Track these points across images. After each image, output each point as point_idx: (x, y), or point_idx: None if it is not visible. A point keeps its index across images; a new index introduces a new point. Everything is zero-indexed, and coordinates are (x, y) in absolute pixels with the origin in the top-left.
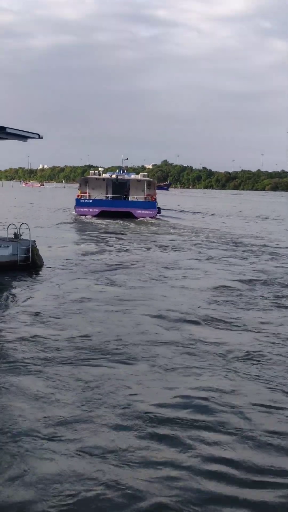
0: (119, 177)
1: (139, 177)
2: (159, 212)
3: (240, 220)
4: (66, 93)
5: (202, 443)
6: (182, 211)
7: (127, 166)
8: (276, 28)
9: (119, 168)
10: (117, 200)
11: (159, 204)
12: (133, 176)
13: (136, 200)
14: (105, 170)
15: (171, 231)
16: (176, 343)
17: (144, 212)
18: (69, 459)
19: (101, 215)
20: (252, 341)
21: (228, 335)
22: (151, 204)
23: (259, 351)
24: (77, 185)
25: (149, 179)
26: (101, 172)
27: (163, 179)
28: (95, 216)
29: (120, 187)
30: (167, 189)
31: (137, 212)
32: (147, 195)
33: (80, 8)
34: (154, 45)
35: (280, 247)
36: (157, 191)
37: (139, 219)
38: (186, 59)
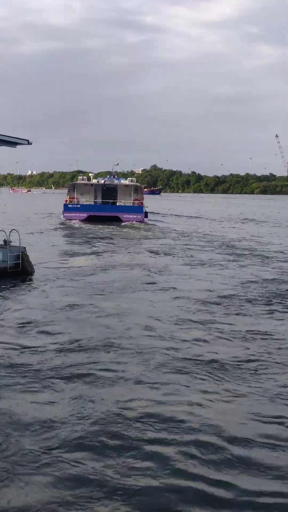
0: (106, 183)
1: (126, 182)
2: (146, 216)
3: (230, 223)
4: (55, 98)
5: (197, 459)
6: (175, 215)
7: (116, 171)
8: (263, 33)
9: (109, 173)
10: (104, 204)
11: (149, 208)
12: (122, 181)
13: (123, 204)
14: (96, 176)
15: (160, 235)
16: (167, 350)
17: (131, 216)
18: (58, 480)
19: (89, 219)
20: (244, 348)
21: (219, 341)
22: (138, 209)
23: (252, 359)
24: (66, 191)
25: (137, 184)
26: (91, 177)
27: (153, 183)
28: (83, 220)
29: (108, 192)
30: (159, 193)
31: (124, 216)
32: (135, 199)
33: (69, 14)
34: (142, 50)
35: (270, 251)
36: (149, 196)
37: (125, 223)
38: (175, 64)
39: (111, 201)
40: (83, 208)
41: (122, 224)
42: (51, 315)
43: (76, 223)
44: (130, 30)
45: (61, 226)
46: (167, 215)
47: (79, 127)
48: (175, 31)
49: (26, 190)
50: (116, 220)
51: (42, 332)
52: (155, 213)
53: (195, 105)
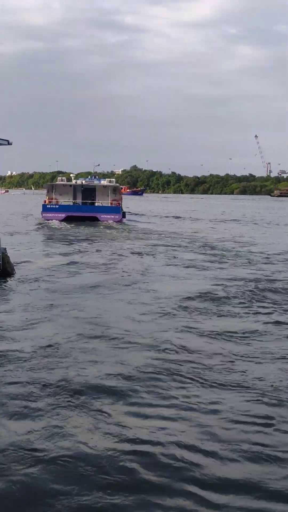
0: (85, 183)
1: (105, 183)
2: (124, 217)
3: (211, 223)
4: (36, 98)
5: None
6: (160, 216)
7: (97, 172)
8: (242, 34)
9: (89, 174)
10: (82, 205)
11: (131, 209)
12: (101, 182)
13: (101, 205)
14: (77, 176)
15: (141, 236)
16: (151, 352)
17: (108, 216)
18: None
19: (67, 219)
20: (224, 348)
21: (204, 344)
22: (116, 209)
23: (234, 359)
24: (45, 191)
25: (115, 184)
26: (72, 178)
27: (133, 184)
28: (61, 221)
29: (87, 192)
30: (141, 194)
31: (102, 216)
32: (113, 200)
33: (48, 14)
34: (122, 50)
35: (253, 252)
36: (132, 196)
37: (104, 222)
38: (155, 64)
39: (89, 201)
40: (62, 208)
41: (100, 224)
42: (30, 317)
43: (56, 224)
44: (110, 30)
45: (41, 227)
46: (150, 215)
47: (59, 127)
48: (155, 31)
49: (4, 191)
50: (94, 220)
51: (20, 335)
52: (138, 214)
53: (175, 105)
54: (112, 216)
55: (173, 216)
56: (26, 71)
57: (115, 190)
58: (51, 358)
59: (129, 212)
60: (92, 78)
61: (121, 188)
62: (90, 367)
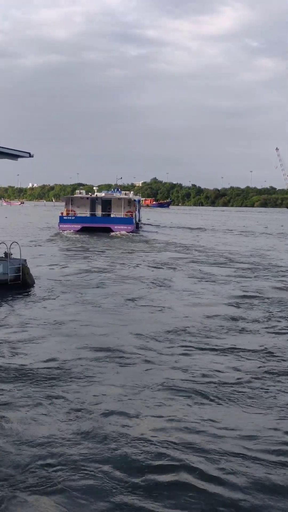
0: (99, 196)
1: (120, 195)
2: (137, 228)
3: (237, 237)
4: (57, 111)
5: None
6: (181, 227)
7: (117, 184)
8: (263, 46)
9: (111, 186)
10: (97, 216)
11: (154, 220)
12: (115, 194)
13: (115, 216)
14: (100, 189)
15: (160, 248)
16: (165, 367)
17: (121, 227)
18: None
19: (83, 230)
20: (247, 367)
21: (220, 359)
22: (128, 220)
23: (251, 378)
24: (63, 204)
25: (129, 197)
26: (94, 190)
27: (153, 196)
28: (78, 231)
29: (103, 204)
30: (167, 206)
31: (115, 227)
32: (128, 211)
33: (70, 28)
34: (143, 63)
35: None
36: (158, 209)
37: (116, 233)
38: (175, 77)
39: (105, 213)
40: (77, 220)
41: (114, 234)
42: (48, 330)
43: (72, 234)
44: (131, 43)
45: (59, 238)
46: (174, 227)
47: (80, 140)
48: (176, 44)
49: (20, 203)
50: (107, 231)
51: (37, 348)
52: (159, 225)
53: (195, 117)
54: (125, 227)
55: (197, 228)
56: (48, 84)
57: (130, 202)
58: (63, 376)
59: (150, 224)
60: (113, 90)
61: (139, 201)
62: (98, 383)
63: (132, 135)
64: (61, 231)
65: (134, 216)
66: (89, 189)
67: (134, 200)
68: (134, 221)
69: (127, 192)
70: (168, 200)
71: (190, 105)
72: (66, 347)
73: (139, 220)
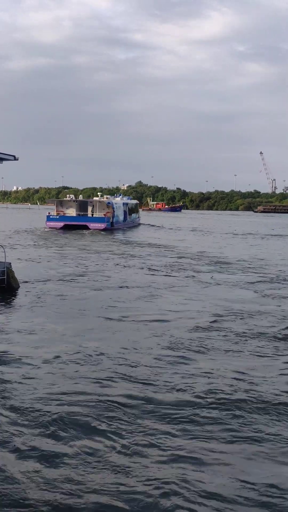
0: (84, 200)
1: (100, 199)
2: (112, 226)
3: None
4: (43, 114)
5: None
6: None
7: (118, 188)
8: (251, 51)
9: (96, 189)
10: (77, 216)
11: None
12: (95, 198)
13: (91, 216)
14: (101, 193)
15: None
16: (155, 371)
17: (96, 225)
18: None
19: (65, 227)
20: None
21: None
22: (101, 219)
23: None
24: (51, 206)
25: (106, 200)
26: (99, 195)
27: (138, 199)
28: (61, 228)
29: (86, 206)
30: (180, 210)
31: (91, 225)
32: (106, 212)
33: (58, 32)
34: (131, 67)
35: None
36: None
37: (91, 230)
38: (163, 81)
39: (86, 213)
40: (61, 218)
41: (90, 231)
42: (34, 333)
43: (55, 236)
44: (119, 47)
45: (44, 241)
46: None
47: (65, 143)
48: (164, 48)
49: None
50: (85, 228)
51: (22, 348)
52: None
53: (181, 121)
54: (99, 225)
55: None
56: (35, 87)
57: (107, 205)
58: (54, 375)
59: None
60: (100, 94)
61: (137, 204)
62: (97, 390)
63: (118, 139)
64: (48, 228)
65: (110, 216)
66: (74, 192)
67: (108, 203)
68: (109, 220)
69: (108, 196)
70: (181, 203)
71: (177, 110)
72: (51, 352)
73: (138, 217)
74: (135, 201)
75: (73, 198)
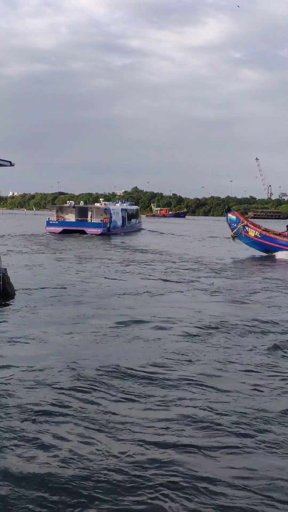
0: (83, 206)
1: (98, 205)
2: (109, 231)
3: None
4: (39, 120)
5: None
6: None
7: (121, 195)
8: (247, 58)
9: (91, 195)
10: (75, 221)
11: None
12: (95, 204)
13: (88, 221)
14: (81, 197)
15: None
16: (151, 381)
17: (93, 230)
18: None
19: (64, 232)
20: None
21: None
22: (98, 224)
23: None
24: (47, 211)
25: (104, 207)
26: (101, 201)
27: (134, 205)
28: (60, 233)
29: (85, 212)
30: (184, 216)
31: (88, 230)
32: (104, 218)
33: (55, 38)
34: (127, 73)
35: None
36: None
37: (90, 234)
38: (159, 87)
39: (84, 219)
40: (60, 224)
41: (87, 235)
42: (30, 341)
43: (53, 241)
44: (116, 53)
45: (40, 246)
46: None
47: (62, 148)
48: (160, 55)
49: None
50: (82, 233)
51: (18, 356)
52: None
53: (177, 127)
54: (95, 230)
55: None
56: (31, 93)
57: (105, 211)
58: (41, 390)
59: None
60: (97, 100)
61: (138, 210)
62: (93, 405)
63: (115, 144)
64: (47, 232)
65: (107, 221)
66: (69, 198)
67: (105, 209)
68: (105, 226)
69: (106, 202)
70: (185, 210)
71: (173, 115)
72: (46, 361)
73: (138, 223)
74: (135, 207)
75: (73, 204)
